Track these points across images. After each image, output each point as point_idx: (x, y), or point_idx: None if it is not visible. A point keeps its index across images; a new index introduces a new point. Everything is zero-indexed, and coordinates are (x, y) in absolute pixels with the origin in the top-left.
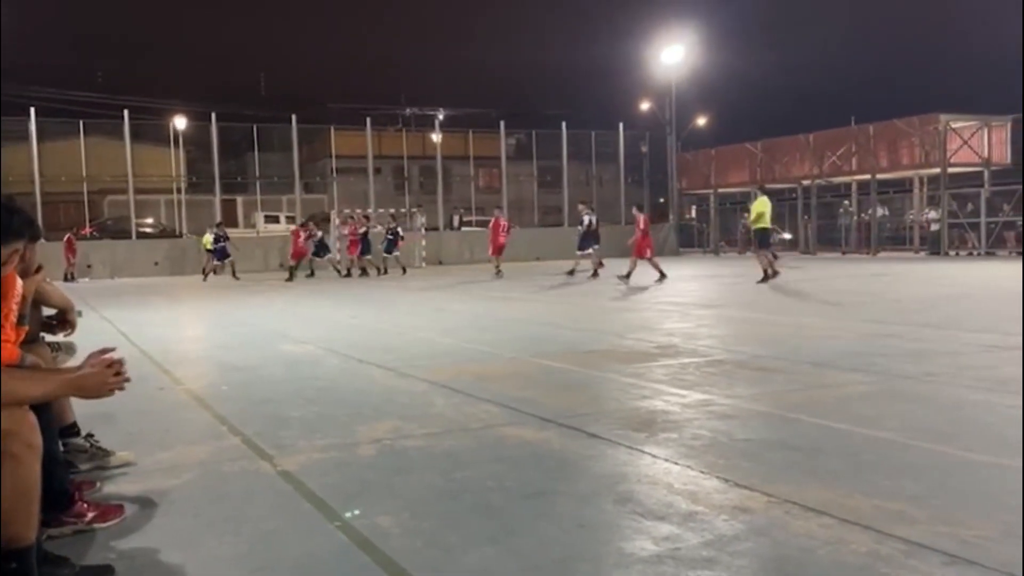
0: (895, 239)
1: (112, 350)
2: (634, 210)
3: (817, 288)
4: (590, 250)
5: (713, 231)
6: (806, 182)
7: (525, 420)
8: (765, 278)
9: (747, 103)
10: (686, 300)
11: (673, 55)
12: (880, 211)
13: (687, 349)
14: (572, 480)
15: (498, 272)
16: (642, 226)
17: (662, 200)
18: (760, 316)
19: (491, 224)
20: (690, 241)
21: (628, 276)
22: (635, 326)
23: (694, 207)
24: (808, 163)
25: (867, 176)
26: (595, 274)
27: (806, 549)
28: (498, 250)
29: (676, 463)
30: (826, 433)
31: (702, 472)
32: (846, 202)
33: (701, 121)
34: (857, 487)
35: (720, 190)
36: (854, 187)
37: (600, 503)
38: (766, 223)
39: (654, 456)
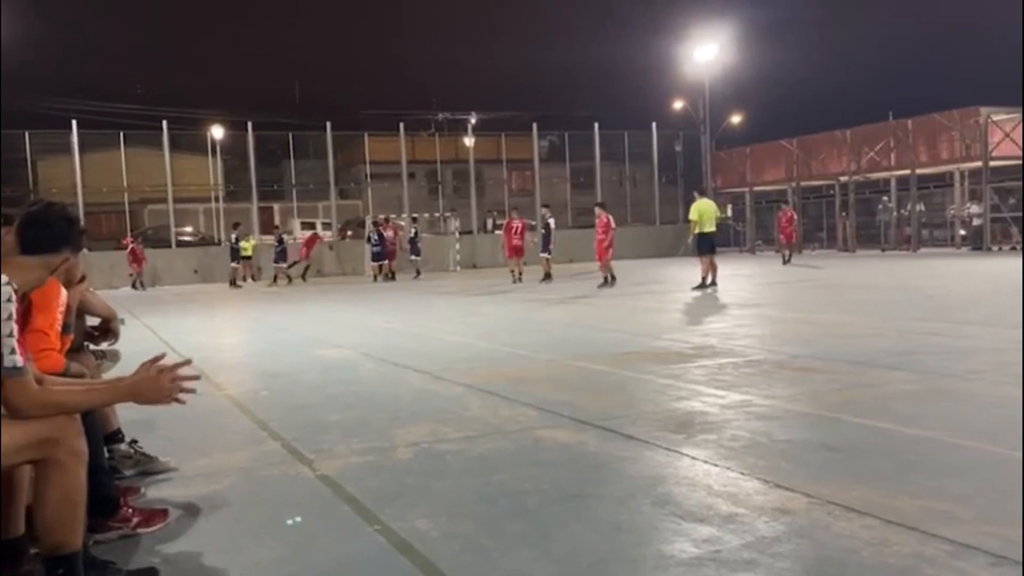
0: (936, 235)
1: (162, 357)
2: (596, 209)
3: (856, 286)
4: (550, 254)
5: (749, 230)
6: (844, 179)
7: (561, 423)
8: (702, 285)
9: (782, 100)
10: (722, 300)
11: (706, 53)
12: (919, 207)
13: (724, 349)
14: (609, 482)
15: (514, 276)
16: (601, 227)
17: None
18: (798, 315)
19: (504, 226)
20: (726, 240)
21: (609, 281)
22: (670, 327)
23: (730, 206)
24: (845, 159)
25: (906, 171)
26: (546, 277)
27: (849, 550)
28: (513, 252)
29: (715, 464)
30: (868, 433)
31: (742, 473)
32: (885, 198)
33: (736, 119)
34: (900, 487)
35: (756, 188)
36: (893, 183)
37: (638, 505)
38: (706, 228)
39: (693, 458)
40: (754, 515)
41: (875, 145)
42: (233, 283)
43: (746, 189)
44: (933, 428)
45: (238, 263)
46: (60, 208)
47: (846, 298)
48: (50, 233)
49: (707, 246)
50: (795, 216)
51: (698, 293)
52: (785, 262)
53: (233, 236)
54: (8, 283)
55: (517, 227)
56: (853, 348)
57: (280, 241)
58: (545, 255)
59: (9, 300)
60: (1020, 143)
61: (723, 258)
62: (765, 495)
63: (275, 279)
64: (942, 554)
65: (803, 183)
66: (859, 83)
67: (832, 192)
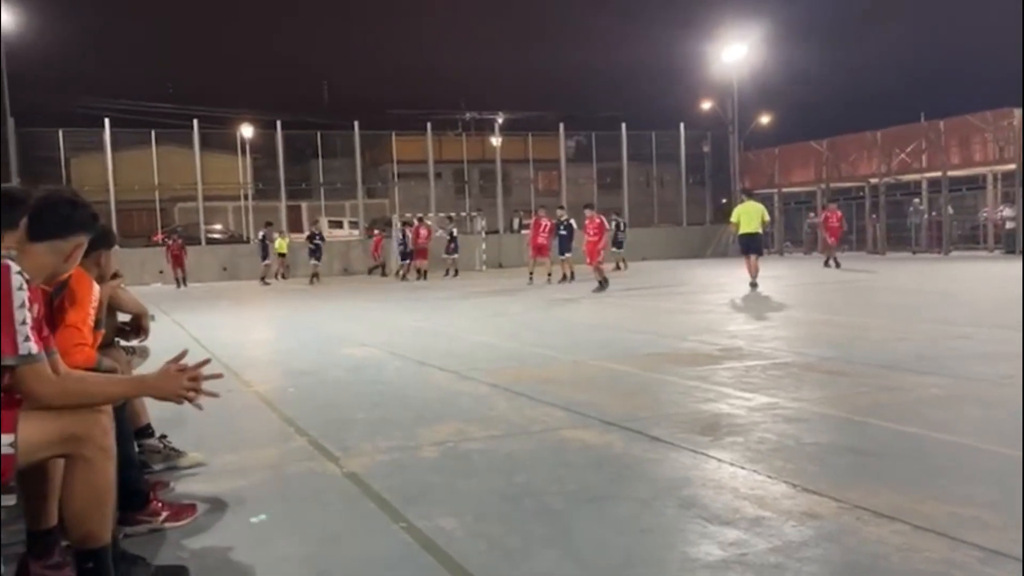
0: (968, 238)
1: (184, 355)
2: (586, 211)
3: (886, 289)
4: (571, 254)
5: (777, 231)
6: (874, 180)
7: (587, 423)
8: (753, 283)
9: (812, 100)
10: (749, 302)
11: (735, 53)
12: (950, 209)
13: (751, 351)
14: (634, 484)
15: (531, 278)
16: (594, 228)
17: (724, 201)
18: (827, 317)
19: (532, 224)
20: None
21: (603, 284)
22: (697, 328)
23: None
24: (876, 161)
25: (938, 173)
26: (566, 278)
27: (878, 556)
28: (537, 251)
29: (742, 467)
30: (897, 437)
31: (769, 477)
32: (916, 200)
33: (764, 120)
34: (930, 493)
35: (784, 190)
36: (924, 185)
37: (663, 507)
38: (745, 228)
39: (719, 460)
40: (781, 519)
41: (906, 147)
42: (263, 280)
43: (774, 190)
44: (963, 433)
45: (269, 260)
46: (66, 193)
47: (875, 301)
48: (55, 218)
49: (745, 246)
50: (843, 216)
51: (750, 291)
52: (830, 264)
53: (260, 234)
54: (20, 271)
55: (546, 225)
56: (882, 351)
57: (321, 238)
58: (565, 256)
59: (21, 288)
60: None
61: None
62: (792, 499)
63: (312, 278)
64: (972, 560)
65: (832, 185)
66: (890, 83)
67: (862, 194)
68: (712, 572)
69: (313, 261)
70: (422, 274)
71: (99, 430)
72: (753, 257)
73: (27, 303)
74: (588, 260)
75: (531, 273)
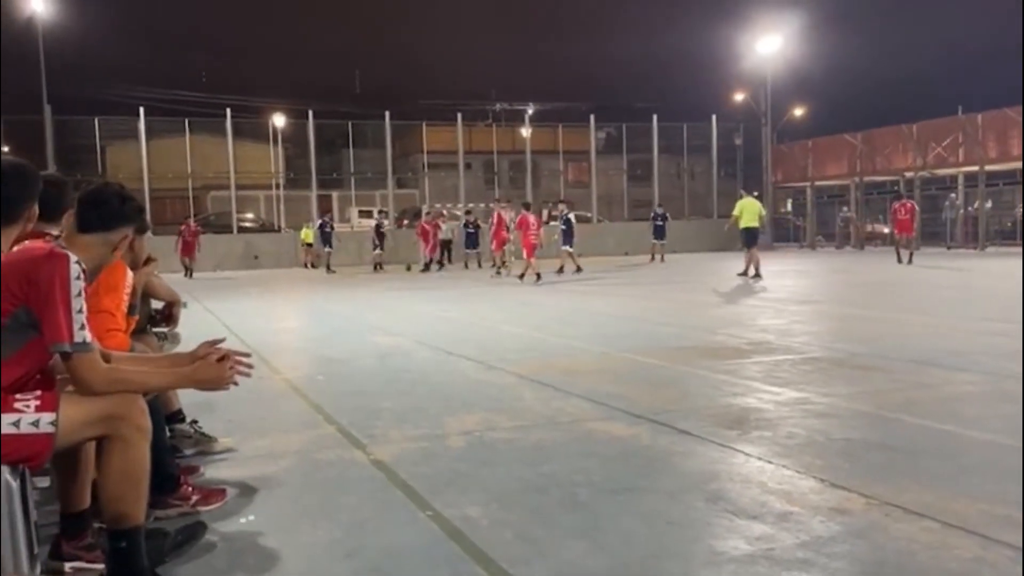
0: (1005, 233)
1: (222, 340)
2: (523, 210)
3: (919, 284)
4: (572, 247)
5: (809, 225)
6: (909, 174)
7: (614, 415)
8: (752, 274)
9: (846, 93)
10: (780, 296)
11: (769, 44)
12: (987, 204)
13: (781, 346)
14: (661, 477)
15: (500, 269)
16: (527, 225)
17: (756, 194)
18: (858, 312)
19: (519, 220)
20: (785, 235)
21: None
22: (727, 322)
23: (789, 200)
24: (911, 154)
25: (975, 168)
26: (561, 269)
27: (907, 553)
28: (501, 244)
29: (770, 462)
30: (928, 434)
31: (797, 472)
32: (953, 195)
33: (798, 112)
34: (961, 490)
35: (817, 183)
36: (960, 179)
37: (690, 501)
38: (749, 222)
39: (747, 454)
40: (809, 514)
41: (942, 140)
42: (328, 268)
43: (807, 184)
44: (995, 431)
45: (331, 247)
46: (115, 186)
47: (908, 296)
48: (105, 211)
49: (749, 239)
50: (916, 208)
51: (740, 281)
52: (903, 261)
53: (319, 222)
54: (78, 261)
55: (505, 219)
56: (914, 347)
57: (380, 226)
58: (567, 248)
59: (78, 278)
60: None
61: (781, 253)
62: (821, 494)
63: (376, 266)
64: (1004, 560)
65: (866, 178)
66: (927, 76)
67: (896, 188)
68: (739, 566)
69: (378, 251)
70: (440, 265)
71: (137, 410)
72: (754, 249)
73: (83, 293)
74: (527, 254)
75: (502, 264)
